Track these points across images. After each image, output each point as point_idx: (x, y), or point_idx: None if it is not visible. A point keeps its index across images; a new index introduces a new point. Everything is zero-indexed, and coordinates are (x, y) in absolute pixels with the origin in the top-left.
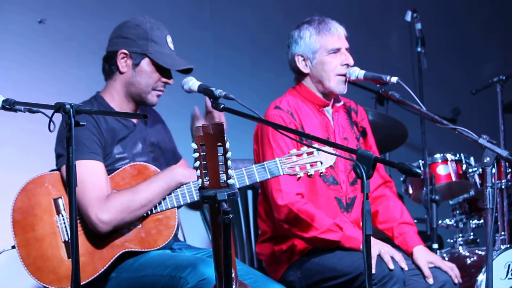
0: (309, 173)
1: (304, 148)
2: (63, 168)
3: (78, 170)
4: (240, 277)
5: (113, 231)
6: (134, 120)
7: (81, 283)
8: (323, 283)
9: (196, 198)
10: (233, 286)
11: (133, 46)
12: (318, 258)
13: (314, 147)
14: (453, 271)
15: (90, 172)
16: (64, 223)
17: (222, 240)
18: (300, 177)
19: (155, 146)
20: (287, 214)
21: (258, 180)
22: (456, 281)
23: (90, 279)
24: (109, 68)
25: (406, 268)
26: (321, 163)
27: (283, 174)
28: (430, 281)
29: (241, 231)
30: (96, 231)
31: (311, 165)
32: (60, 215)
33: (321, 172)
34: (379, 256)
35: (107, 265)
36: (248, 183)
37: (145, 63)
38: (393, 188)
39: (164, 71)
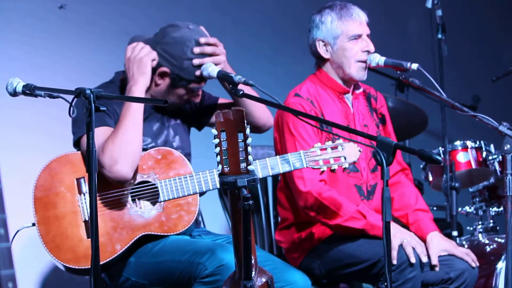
0: (332, 168)
1: (329, 143)
2: (81, 141)
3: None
4: (260, 263)
5: (133, 214)
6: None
7: (100, 263)
8: (342, 270)
9: (218, 185)
10: (253, 273)
11: (176, 70)
12: (337, 245)
13: (334, 134)
14: (469, 256)
15: (97, 138)
16: (86, 202)
17: (242, 226)
18: (323, 171)
19: (176, 125)
20: (311, 201)
21: (281, 172)
22: (473, 265)
23: (108, 259)
24: None
25: (425, 261)
26: (345, 158)
27: (306, 167)
28: (437, 269)
29: (260, 218)
30: (121, 182)
31: (335, 160)
32: (82, 194)
33: (344, 168)
34: (400, 245)
35: (126, 247)
36: (271, 174)
37: (181, 88)
38: (410, 175)
39: (191, 92)
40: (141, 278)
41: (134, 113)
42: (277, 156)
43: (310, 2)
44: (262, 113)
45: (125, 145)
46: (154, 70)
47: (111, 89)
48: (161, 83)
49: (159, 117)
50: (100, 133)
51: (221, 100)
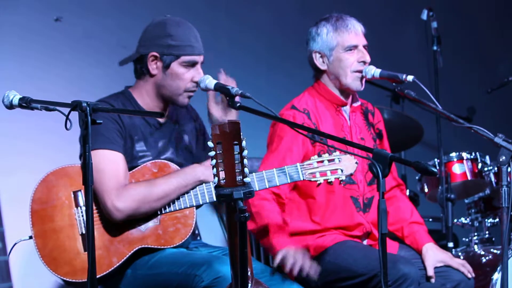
0: (329, 180)
1: (326, 155)
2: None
3: (96, 160)
4: (256, 275)
5: (130, 226)
6: (161, 120)
7: (96, 277)
8: (338, 283)
9: (215, 198)
10: (249, 285)
11: (162, 48)
12: (333, 258)
13: (331, 146)
14: (465, 267)
15: (109, 161)
16: (83, 215)
17: (238, 238)
18: (320, 183)
19: (182, 146)
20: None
21: (278, 184)
22: (469, 276)
23: (105, 273)
24: (140, 70)
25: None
26: (342, 170)
27: (303, 179)
28: (433, 281)
29: None
30: (111, 219)
31: (332, 172)
32: (79, 207)
33: (341, 180)
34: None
35: (122, 260)
36: (268, 187)
37: (175, 65)
38: (404, 191)
39: (189, 67)
40: None
41: (176, 190)
42: (274, 169)
43: (306, 17)
44: None
45: (147, 202)
46: (145, 61)
47: (120, 100)
48: (156, 72)
49: (167, 134)
50: (112, 157)
51: None
